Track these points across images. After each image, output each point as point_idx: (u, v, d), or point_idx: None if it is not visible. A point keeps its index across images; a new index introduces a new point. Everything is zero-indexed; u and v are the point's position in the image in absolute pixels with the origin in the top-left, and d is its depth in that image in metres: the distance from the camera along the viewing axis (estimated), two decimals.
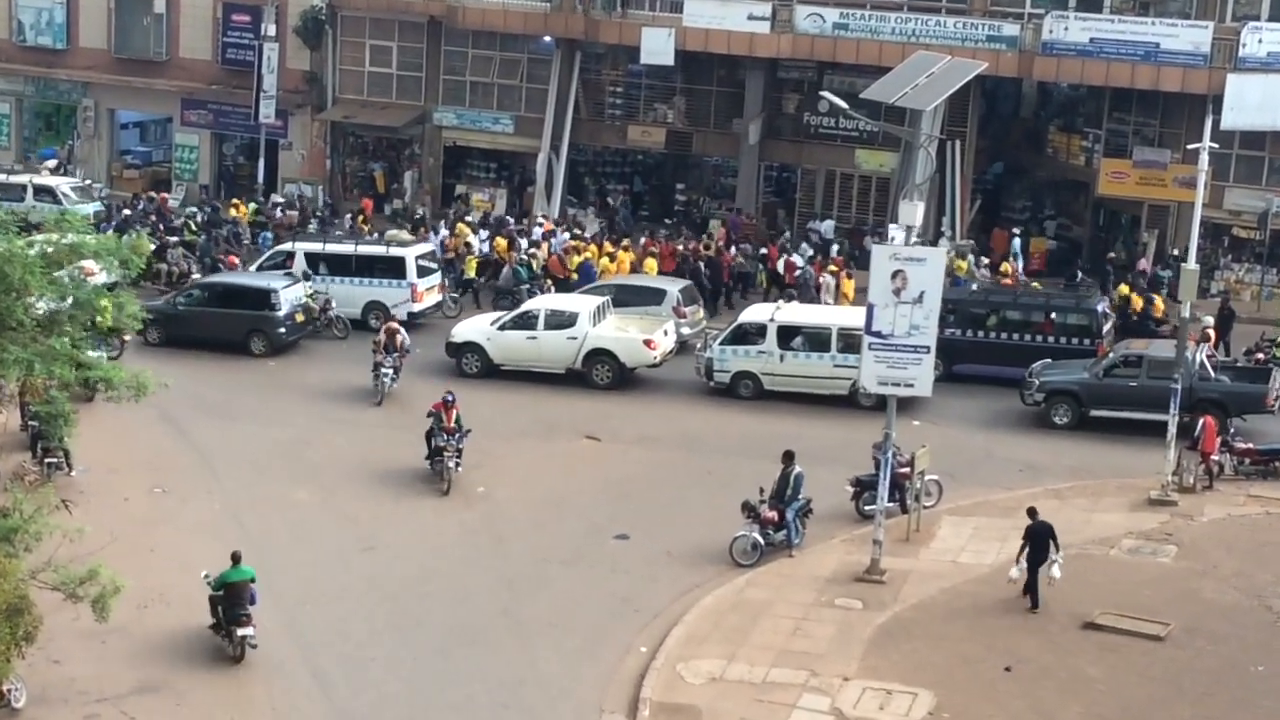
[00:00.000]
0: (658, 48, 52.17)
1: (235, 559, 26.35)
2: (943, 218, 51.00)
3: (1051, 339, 41.06)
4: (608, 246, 49.42)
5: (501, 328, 41.56)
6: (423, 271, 45.65)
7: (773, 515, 30.41)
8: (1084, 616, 27.61)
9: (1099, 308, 41.92)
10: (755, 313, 41.54)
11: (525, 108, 56.78)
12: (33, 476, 31.61)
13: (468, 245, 49.85)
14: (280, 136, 59.13)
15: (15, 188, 53.79)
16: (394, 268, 45.35)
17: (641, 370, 41.22)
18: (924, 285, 28.64)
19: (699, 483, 34.40)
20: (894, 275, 28.61)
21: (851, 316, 40.53)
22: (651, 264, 47.93)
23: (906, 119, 43.23)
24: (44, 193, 53.96)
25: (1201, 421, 34.18)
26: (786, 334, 40.19)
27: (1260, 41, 47.85)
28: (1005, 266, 48.97)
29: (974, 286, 44.44)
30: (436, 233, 51.69)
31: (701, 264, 48.19)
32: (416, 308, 45.10)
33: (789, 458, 30.95)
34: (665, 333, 41.64)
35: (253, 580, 26.23)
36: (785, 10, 51.91)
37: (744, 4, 52.20)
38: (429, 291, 45.81)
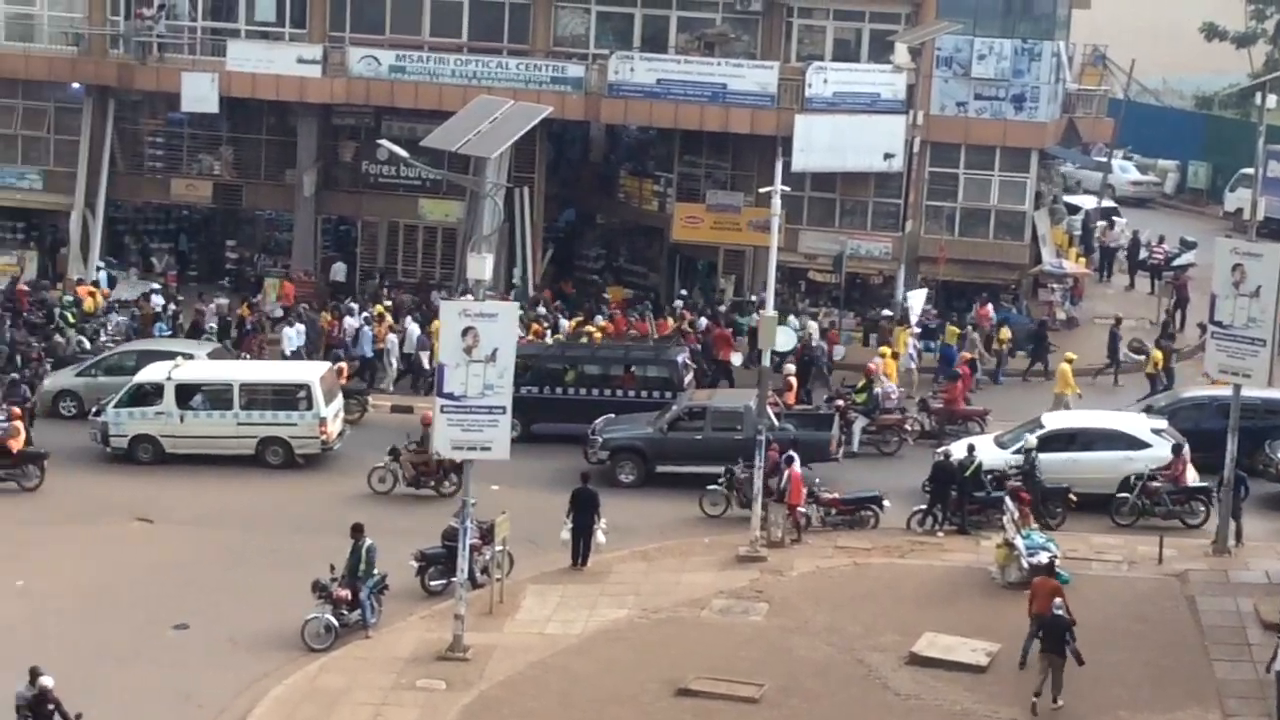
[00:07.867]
0: (200, 94, 51.39)
1: None
2: (514, 269, 51.63)
3: (632, 393, 42.00)
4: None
5: None
6: None
7: (345, 594, 30.26)
8: (677, 682, 28.25)
9: (679, 359, 43.07)
10: (152, 371, 41.42)
11: (55, 161, 55.16)
12: None
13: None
14: None
15: None
16: None
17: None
18: (497, 343, 29.01)
19: (262, 562, 33.96)
20: (465, 333, 28.90)
21: (254, 372, 42.02)
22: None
23: (471, 167, 43.57)
24: None
25: (787, 473, 35.35)
26: (185, 392, 40.39)
27: (825, 81, 49.93)
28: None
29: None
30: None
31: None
32: None
33: (358, 531, 30.87)
34: None
35: None
36: (338, 53, 51.81)
37: (293, 47, 52.01)
38: None
